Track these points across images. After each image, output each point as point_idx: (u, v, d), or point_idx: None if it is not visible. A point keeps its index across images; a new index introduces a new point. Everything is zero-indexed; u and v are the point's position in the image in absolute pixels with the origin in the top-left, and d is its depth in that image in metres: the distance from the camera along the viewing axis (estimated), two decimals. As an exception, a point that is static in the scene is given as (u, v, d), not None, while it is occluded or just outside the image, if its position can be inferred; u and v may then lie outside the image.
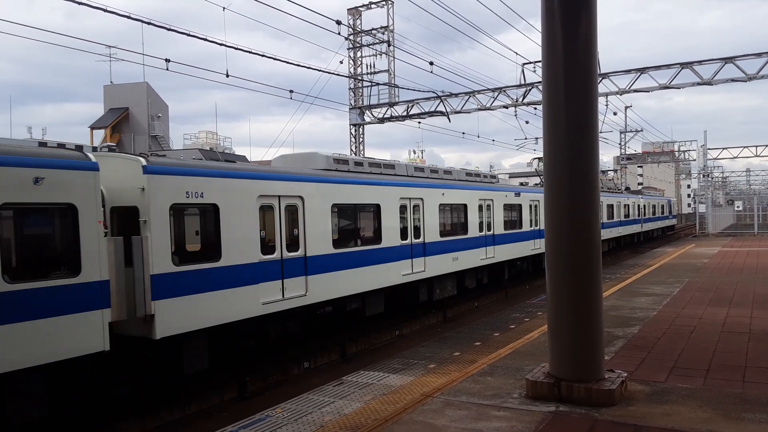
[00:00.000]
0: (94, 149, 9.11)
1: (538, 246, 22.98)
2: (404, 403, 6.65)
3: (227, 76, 17.78)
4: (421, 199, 15.77)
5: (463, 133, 33.78)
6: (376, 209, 14.11)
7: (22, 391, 7.34)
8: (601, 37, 6.75)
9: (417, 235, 15.59)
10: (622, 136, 50.43)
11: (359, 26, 30.36)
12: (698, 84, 24.73)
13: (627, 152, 52.26)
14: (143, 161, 9.00)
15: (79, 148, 9.23)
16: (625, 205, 37.61)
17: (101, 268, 8.03)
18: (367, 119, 31.13)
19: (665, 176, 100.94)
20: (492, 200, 19.86)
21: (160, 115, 39.66)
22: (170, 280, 9.04)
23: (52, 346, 7.42)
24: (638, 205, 41.47)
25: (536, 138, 36.73)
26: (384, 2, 29.46)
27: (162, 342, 8.90)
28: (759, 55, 23.67)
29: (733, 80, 24.41)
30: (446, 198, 16.96)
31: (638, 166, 62.41)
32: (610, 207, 34.13)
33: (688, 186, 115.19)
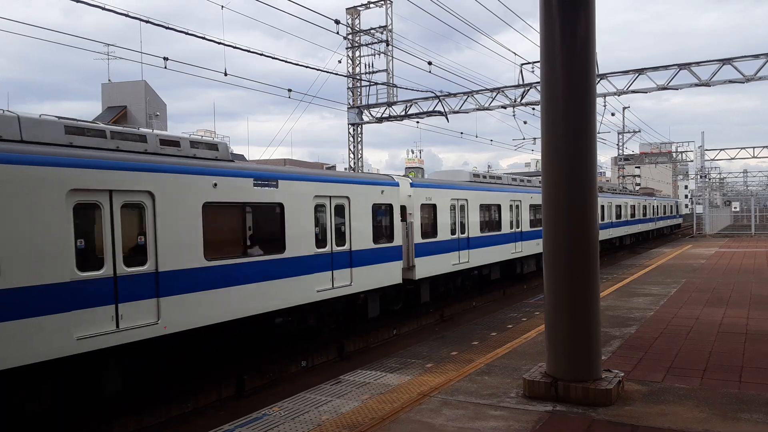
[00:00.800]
0: None
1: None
2: (402, 402, 6.65)
3: (225, 74, 17.78)
4: (520, 200, 22.14)
5: (462, 133, 33.96)
6: (498, 207, 20.57)
7: (372, 300, 14.30)
8: (598, 37, 6.77)
9: (517, 225, 21.86)
10: (620, 136, 50.51)
11: (358, 26, 30.33)
12: (696, 85, 24.70)
13: (625, 153, 52.31)
14: (410, 180, 16.30)
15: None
16: (643, 206, 43.49)
17: (399, 238, 14.90)
18: (365, 119, 31.07)
19: (663, 177, 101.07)
20: None
21: (158, 113, 39.53)
22: (420, 247, 15.84)
23: (381, 278, 14.21)
24: (653, 206, 47.22)
25: (534, 138, 36.79)
26: (382, 2, 29.43)
27: (415, 282, 15.74)
28: (757, 56, 23.65)
29: (730, 81, 24.39)
30: (533, 200, 22.94)
31: (636, 167, 62.59)
32: (633, 207, 39.78)
33: (686, 187, 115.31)
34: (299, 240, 11.61)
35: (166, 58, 16.08)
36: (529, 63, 26.89)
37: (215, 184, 9.84)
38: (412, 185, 15.90)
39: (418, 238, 15.71)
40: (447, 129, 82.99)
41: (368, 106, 30.63)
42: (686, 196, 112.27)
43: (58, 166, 7.70)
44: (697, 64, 24.53)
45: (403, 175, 17.40)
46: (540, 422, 5.82)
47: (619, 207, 36.08)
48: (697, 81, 24.51)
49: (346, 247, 13.02)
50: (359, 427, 5.88)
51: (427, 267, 16.13)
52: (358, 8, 30.23)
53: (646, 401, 6.34)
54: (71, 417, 8.48)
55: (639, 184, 63.69)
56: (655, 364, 7.81)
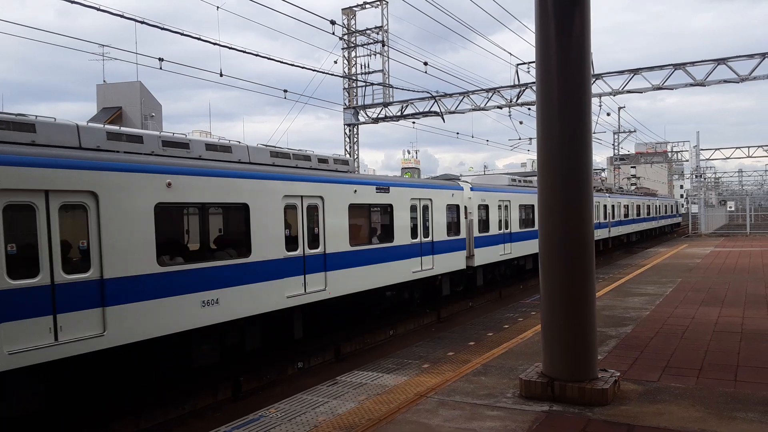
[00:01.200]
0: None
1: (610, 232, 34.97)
2: (398, 403, 6.65)
3: (221, 75, 17.73)
4: None
5: (458, 133, 33.94)
6: (532, 207, 23.39)
7: (445, 282, 17.69)
8: (594, 38, 6.77)
9: None
10: (616, 136, 50.67)
11: (353, 26, 30.31)
12: (691, 85, 24.76)
13: (620, 153, 52.46)
14: (470, 185, 19.53)
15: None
16: (647, 206, 46.78)
17: (463, 232, 18.13)
18: (361, 119, 31.06)
19: (658, 176, 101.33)
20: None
21: (153, 114, 39.42)
22: (477, 239, 19.06)
23: (452, 264, 17.52)
24: (655, 205, 50.47)
25: (530, 138, 36.84)
26: (378, 2, 29.43)
27: (474, 268, 18.98)
28: (751, 56, 23.72)
29: (725, 81, 24.44)
30: None
31: (631, 167, 62.84)
32: (638, 207, 42.87)
33: (681, 186, 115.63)
34: (401, 232, 15.09)
35: (161, 59, 16.04)
36: (524, 63, 26.96)
37: (355, 191, 13.51)
38: (472, 189, 19.28)
39: (476, 233, 19.01)
40: (443, 129, 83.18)
41: (364, 107, 30.63)
42: (682, 196, 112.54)
43: (281, 180, 11.40)
44: (692, 64, 24.60)
45: (465, 180, 20.86)
46: (536, 422, 5.83)
47: (626, 207, 39.06)
48: (692, 81, 24.57)
49: (429, 238, 16.40)
50: (356, 428, 5.88)
51: (483, 256, 19.46)
52: (354, 9, 30.22)
53: (642, 401, 6.35)
54: (69, 418, 8.46)
55: (635, 184, 64.02)
56: (651, 363, 7.82)
